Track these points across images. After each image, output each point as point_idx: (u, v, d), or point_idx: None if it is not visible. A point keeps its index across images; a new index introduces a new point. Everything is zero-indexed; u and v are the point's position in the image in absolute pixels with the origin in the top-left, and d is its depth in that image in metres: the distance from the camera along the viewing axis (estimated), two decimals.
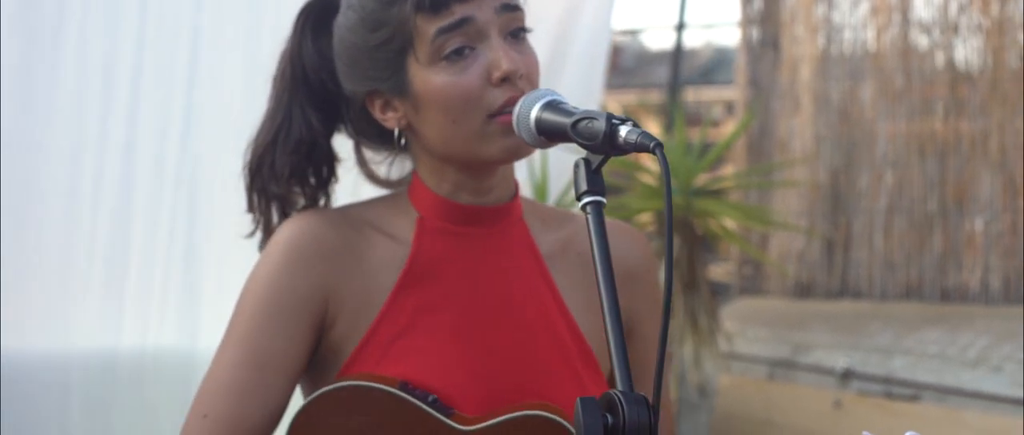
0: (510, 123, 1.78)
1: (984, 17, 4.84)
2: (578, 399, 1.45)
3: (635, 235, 2.04)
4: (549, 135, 1.71)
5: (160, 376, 3.32)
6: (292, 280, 1.86)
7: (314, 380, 1.93)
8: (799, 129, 5.39)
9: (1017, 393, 3.97)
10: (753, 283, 5.58)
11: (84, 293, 3.24)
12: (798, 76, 5.42)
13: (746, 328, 5.04)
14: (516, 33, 1.85)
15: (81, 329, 3.24)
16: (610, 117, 1.58)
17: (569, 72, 4.05)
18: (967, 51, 4.95)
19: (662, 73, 7.01)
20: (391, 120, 1.90)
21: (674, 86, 6.04)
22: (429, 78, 1.81)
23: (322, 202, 2.00)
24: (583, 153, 1.63)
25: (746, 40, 5.64)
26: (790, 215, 5.33)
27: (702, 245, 4.66)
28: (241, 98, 3.40)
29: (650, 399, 1.46)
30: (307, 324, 1.87)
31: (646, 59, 7.43)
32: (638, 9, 7.16)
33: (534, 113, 1.71)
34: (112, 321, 3.26)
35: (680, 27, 6.06)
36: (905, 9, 5.07)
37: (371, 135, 1.99)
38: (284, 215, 1.97)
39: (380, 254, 1.91)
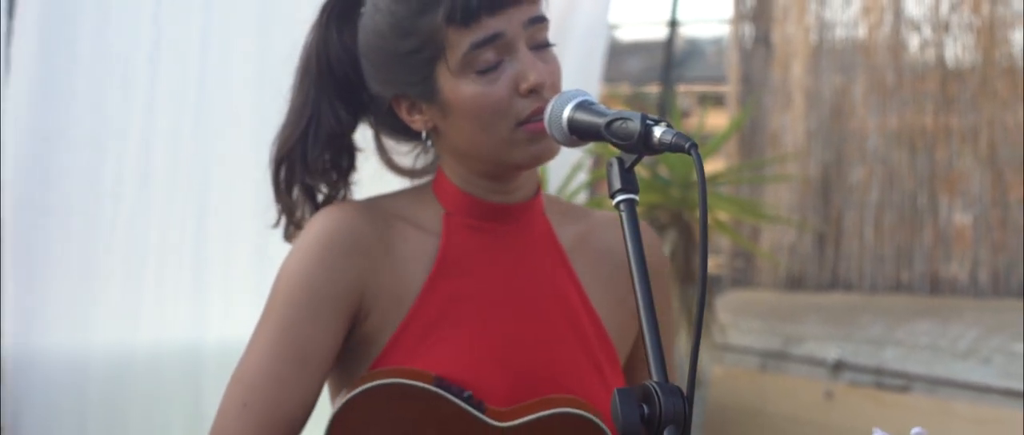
0: (537, 131, 1.83)
1: (975, 16, 4.90)
2: (615, 390, 1.49)
3: (648, 232, 2.08)
4: (581, 134, 1.73)
5: (174, 370, 3.36)
6: (329, 273, 1.88)
7: (345, 370, 1.96)
8: (791, 124, 5.44)
9: (1006, 384, 4.05)
10: (744, 275, 5.63)
11: (104, 287, 3.27)
12: (790, 72, 5.47)
13: (739, 320, 5.09)
14: (542, 45, 1.88)
15: (100, 323, 3.28)
16: (644, 118, 1.60)
17: (567, 66, 4.07)
18: (957, 48, 5.01)
19: (633, 64, 7.03)
20: (418, 122, 1.93)
21: (666, 81, 6.09)
22: (459, 88, 1.84)
23: (342, 193, 2.04)
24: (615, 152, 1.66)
25: (738, 36, 5.69)
26: (782, 209, 5.38)
27: (693, 238, 4.72)
28: (253, 94, 3.44)
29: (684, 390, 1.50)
30: (343, 317, 1.89)
31: (617, 51, 7.47)
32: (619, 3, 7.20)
33: (566, 113, 1.74)
34: (130, 315, 3.29)
35: (672, 23, 6.11)
36: (896, 7, 5.13)
37: (397, 129, 2.01)
38: (313, 205, 2.01)
39: (411, 246, 1.93)
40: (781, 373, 4.76)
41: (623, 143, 1.63)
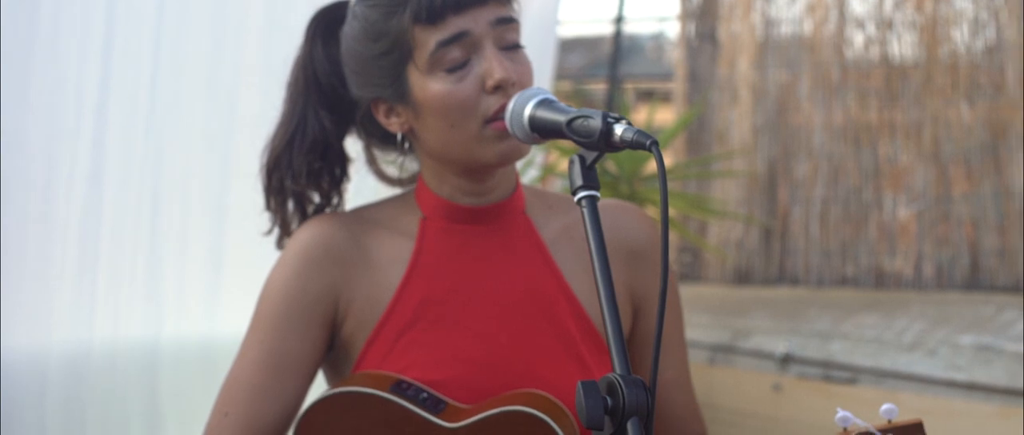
0: (504, 129, 1.86)
1: (918, 14, 4.97)
2: (579, 383, 1.51)
3: (640, 214, 2.10)
4: (543, 132, 1.77)
5: (130, 368, 3.37)
6: (304, 284, 1.95)
7: (333, 374, 2.05)
8: (737, 120, 5.48)
9: (951, 375, 4.09)
10: (692, 270, 5.66)
11: (59, 287, 3.27)
12: (736, 69, 5.51)
13: (687, 314, 5.04)
14: (511, 46, 1.92)
15: (57, 322, 3.28)
16: (606, 116, 1.63)
17: None
18: (901, 46, 5.07)
19: (573, 60, 7.06)
20: (395, 125, 1.97)
21: (613, 77, 6.12)
22: (428, 86, 1.89)
23: (335, 201, 2.08)
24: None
25: (685, 33, 5.73)
26: (729, 204, 5.42)
27: None
28: (204, 95, 3.44)
29: (647, 382, 1.52)
30: (319, 325, 1.96)
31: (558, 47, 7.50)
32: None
33: (528, 111, 1.77)
34: (85, 314, 3.30)
35: (618, 20, 6.14)
36: (841, 5, 5.18)
37: (378, 137, 2.07)
38: (302, 212, 2.05)
39: (387, 252, 1.99)
40: (730, 366, 4.78)
41: (584, 141, 1.65)
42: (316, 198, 2.07)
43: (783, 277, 5.34)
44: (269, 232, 2.09)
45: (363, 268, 1.98)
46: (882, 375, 4.27)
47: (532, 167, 4.35)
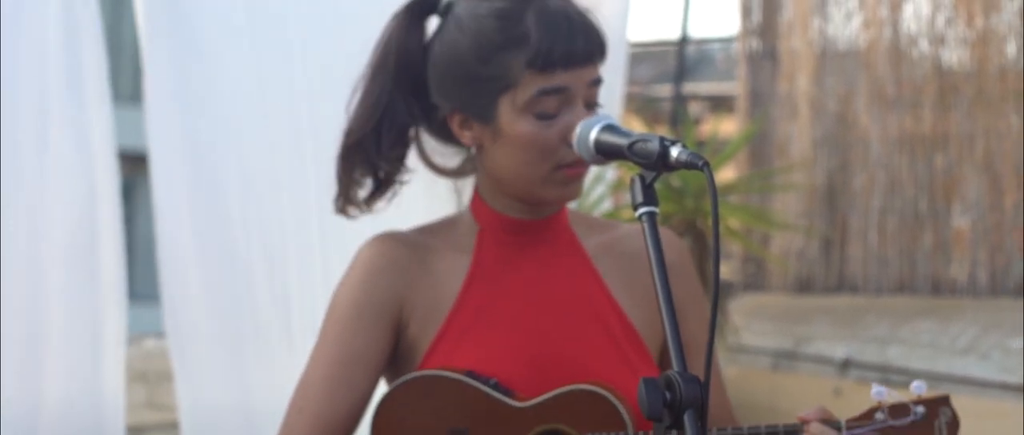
0: (574, 176, 2.02)
1: (969, 29, 5.05)
2: (641, 379, 1.65)
3: (668, 234, 2.25)
4: (606, 154, 1.90)
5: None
6: (370, 291, 2.10)
7: (396, 375, 2.16)
8: (797, 134, 5.60)
9: (1004, 378, 4.20)
10: (756, 280, 5.77)
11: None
12: (795, 84, 5.63)
13: (751, 322, 5.21)
14: (592, 104, 2.05)
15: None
16: (662, 139, 1.76)
17: None
18: (953, 59, 5.14)
19: (643, 71, 7.09)
20: (467, 138, 2.09)
21: (677, 95, 6.24)
22: (517, 123, 2.01)
23: (400, 176, 2.15)
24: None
25: (745, 50, 5.84)
26: (790, 215, 5.53)
27: (706, 244, 4.82)
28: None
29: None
30: (385, 327, 2.10)
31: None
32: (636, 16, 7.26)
33: (593, 135, 1.90)
34: None
35: (682, 41, 6.27)
36: (895, 21, 5.28)
37: (445, 136, 2.15)
38: (376, 183, 2.14)
39: (446, 263, 2.13)
40: (792, 372, 4.90)
41: (644, 162, 1.78)
42: (382, 173, 2.14)
43: (842, 285, 5.44)
44: (336, 203, 2.16)
45: (424, 277, 2.12)
46: (937, 378, 4.33)
47: (600, 184, 4.46)
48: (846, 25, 5.48)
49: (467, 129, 2.08)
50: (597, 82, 2.05)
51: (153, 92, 3.58)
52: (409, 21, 2.11)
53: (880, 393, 1.87)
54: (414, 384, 2.04)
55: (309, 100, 3.65)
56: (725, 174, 5.41)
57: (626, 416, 2.00)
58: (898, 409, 1.90)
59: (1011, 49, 4.94)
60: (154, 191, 3.58)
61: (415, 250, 2.14)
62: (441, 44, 2.08)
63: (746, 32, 5.81)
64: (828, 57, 5.53)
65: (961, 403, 4.17)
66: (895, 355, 4.59)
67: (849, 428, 1.92)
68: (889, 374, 4.53)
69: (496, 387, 2.03)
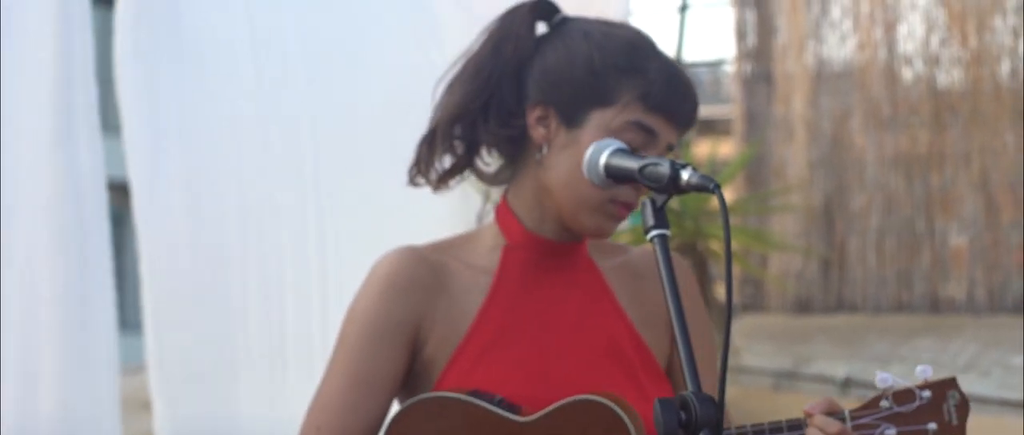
0: (621, 216, 1.99)
1: (963, 49, 5.10)
2: (656, 400, 1.63)
3: (675, 257, 2.26)
4: (617, 177, 1.89)
5: None
6: (389, 308, 2.07)
7: (412, 393, 2.13)
8: (793, 156, 5.63)
9: (1004, 395, 4.21)
10: (755, 301, 5.79)
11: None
12: (791, 107, 5.65)
13: (751, 343, 5.22)
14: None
15: None
16: (673, 163, 1.74)
17: None
18: (948, 79, 5.18)
19: None
20: (538, 133, 2.04)
21: None
22: (598, 138, 1.97)
23: (471, 162, 2.10)
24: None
25: (741, 74, 5.87)
26: (788, 236, 5.54)
27: (706, 266, 4.85)
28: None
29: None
30: (402, 345, 2.09)
31: None
32: None
33: (603, 159, 1.89)
34: None
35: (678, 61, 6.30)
36: (890, 42, 5.32)
37: (501, 138, 2.11)
38: (457, 162, 2.09)
39: (466, 280, 2.10)
40: (793, 391, 4.90)
41: (654, 185, 1.78)
42: (456, 156, 2.12)
43: (842, 305, 5.46)
44: (411, 170, 2.14)
45: (443, 295, 2.10)
46: None
47: None
48: (841, 47, 5.52)
49: (544, 125, 2.05)
50: (671, 147, 2.06)
51: (131, 121, 3.57)
52: (531, 18, 2.11)
53: (885, 380, 1.86)
54: (421, 406, 2.04)
55: (311, 126, 3.67)
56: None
57: (629, 424, 2.02)
58: (903, 395, 1.89)
59: (1005, 68, 4.98)
60: (136, 219, 3.57)
61: (434, 267, 2.12)
62: (561, 45, 2.08)
63: (741, 55, 5.85)
64: (823, 79, 5.56)
65: None
66: (896, 373, 4.55)
67: (854, 418, 1.91)
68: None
69: (501, 404, 2.03)
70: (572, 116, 2.03)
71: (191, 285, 3.63)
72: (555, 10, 2.12)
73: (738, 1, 5.79)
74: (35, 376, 3.43)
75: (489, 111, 2.08)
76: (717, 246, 4.87)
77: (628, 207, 2.01)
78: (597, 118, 2.01)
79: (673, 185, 1.75)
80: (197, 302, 3.63)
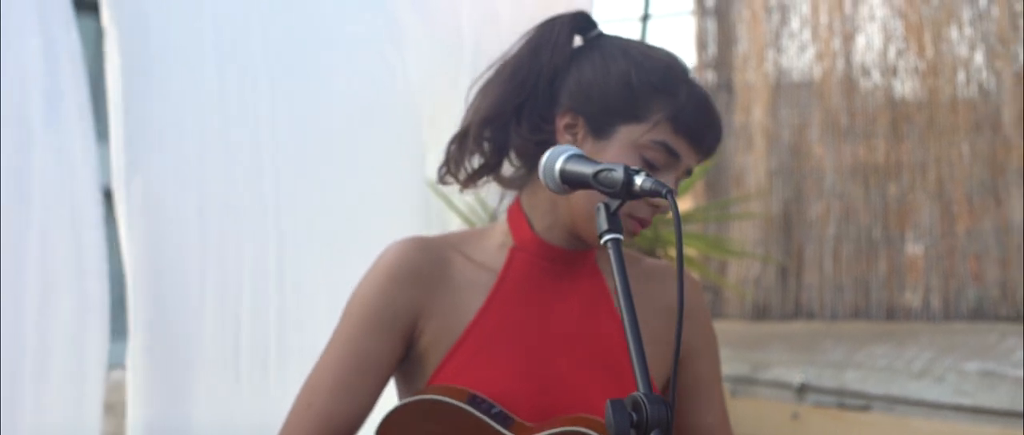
0: (632, 232, 2.05)
1: (920, 59, 5.14)
2: (608, 401, 1.66)
3: (690, 279, 2.27)
4: (572, 183, 1.90)
5: None
6: (389, 298, 2.12)
7: (407, 383, 2.20)
8: (753, 164, 5.66)
9: (958, 400, 4.26)
10: (713, 307, 5.79)
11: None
12: (751, 116, 5.69)
13: None
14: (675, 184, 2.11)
15: None
16: (627, 168, 1.79)
17: None
18: (905, 90, 5.22)
19: None
20: (565, 142, 2.09)
21: None
22: (624, 152, 2.05)
23: (496, 166, 2.15)
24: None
25: (701, 83, 5.87)
26: (746, 244, 5.58)
27: None
28: None
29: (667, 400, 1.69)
30: (399, 334, 2.13)
31: None
32: None
33: (559, 164, 1.90)
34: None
35: None
36: (848, 53, 5.36)
37: (530, 143, 2.14)
38: (486, 163, 2.15)
39: (469, 277, 2.15)
40: (750, 397, 4.93)
41: (609, 190, 1.81)
42: (483, 156, 2.16)
43: (799, 312, 5.50)
44: (442, 166, 2.17)
45: (445, 290, 2.14)
46: (894, 401, 4.42)
47: None
48: (800, 57, 5.55)
49: (571, 133, 2.10)
50: (689, 173, 2.10)
51: (116, 126, 3.60)
52: (570, 28, 2.16)
53: None
54: (417, 406, 2.07)
55: (271, 129, 3.68)
56: (683, 204, 5.45)
57: None
58: None
59: (961, 79, 5.02)
60: (120, 222, 3.60)
61: (439, 259, 2.16)
62: (598, 58, 2.11)
63: (702, 65, 5.87)
64: (782, 89, 5.59)
65: (916, 426, 4.24)
66: (851, 379, 4.63)
67: None
68: (845, 398, 4.59)
69: (497, 416, 2.05)
70: (601, 127, 2.07)
71: (154, 287, 3.65)
72: (593, 25, 2.16)
73: (699, 11, 5.80)
74: (24, 374, 3.45)
75: (522, 115, 2.11)
76: (675, 253, 4.88)
77: (642, 223, 2.07)
78: (625, 133, 2.06)
79: (627, 191, 1.78)
80: (157, 303, 3.65)
